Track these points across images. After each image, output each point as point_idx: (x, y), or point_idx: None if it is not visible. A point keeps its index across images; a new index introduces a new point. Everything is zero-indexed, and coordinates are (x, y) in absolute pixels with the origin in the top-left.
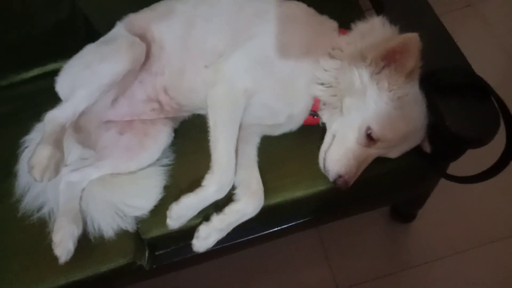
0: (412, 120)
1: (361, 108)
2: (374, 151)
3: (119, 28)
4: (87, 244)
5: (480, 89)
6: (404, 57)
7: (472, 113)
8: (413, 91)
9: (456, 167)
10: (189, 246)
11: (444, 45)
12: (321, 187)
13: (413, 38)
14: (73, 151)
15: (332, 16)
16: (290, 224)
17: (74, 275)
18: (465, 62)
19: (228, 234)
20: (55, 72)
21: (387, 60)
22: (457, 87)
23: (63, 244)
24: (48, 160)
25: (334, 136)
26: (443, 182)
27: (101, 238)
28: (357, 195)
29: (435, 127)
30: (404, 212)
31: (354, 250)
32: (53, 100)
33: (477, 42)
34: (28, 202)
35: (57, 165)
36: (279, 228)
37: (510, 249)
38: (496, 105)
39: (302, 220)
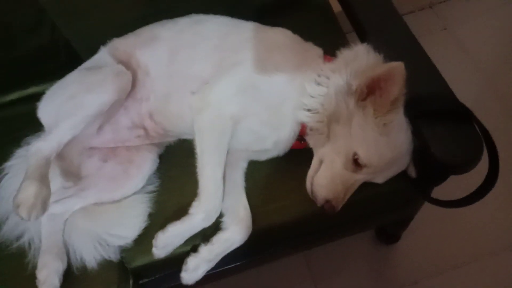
0: (397, 146)
1: (348, 134)
2: (361, 176)
3: (103, 54)
4: (69, 275)
5: (461, 115)
6: (389, 85)
7: (456, 140)
8: (398, 118)
9: (440, 190)
10: (173, 274)
11: (426, 71)
12: (308, 211)
13: (398, 67)
14: (54, 179)
15: (313, 38)
16: (277, 249)
17: None
18: (447, 89)
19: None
20: (36, 96)
21: (372, 88)
22: (440, 113)
23: (49, 281)
24: (35, 198)
25: (321, 161)
26: (427, 203)
27: (83, 269)
28: (344, 218)
29: (420, 153)
30: (389, 233)
31: (341, 272)
32: (33, 125)
33: (453, 65)
34: (7, 231)
35: (44, 202)
36: (266, 253)
37: (494, 266)
38: (478, 131)
39: (289, 246)
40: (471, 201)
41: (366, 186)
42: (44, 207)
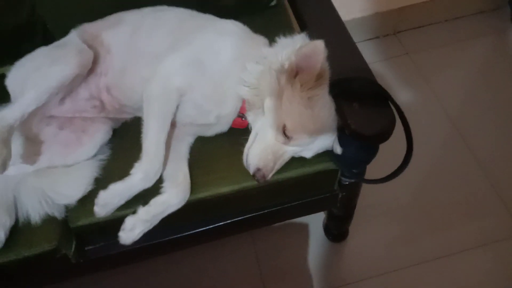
0: (320, 120)
1: (279, 108)
2: (290, 148)
3: (72, 35)
4: (13, 228)
5: (380, 96)
6: (313, 61)
7: (371, 114)
8: (322, 93)
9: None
10: (117, 243)
11: (352, 58)
12: (244, 183)
13: (319, 44)
14: (13, 145)
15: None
16: (218, 224)
17: None
18: (370, 73)
19: (157, 233)
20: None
21: (300, 66)
22: (360, 93)
23: None
24: None
25: (257, 134)
26: (375, 207)
27: (28, 224)
28: (281, 195)
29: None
30: (335, 230)
31: (290, 270)
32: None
33: (411, 88)
34: None
35: (4, 162)
36: (207, 227)
37: (434, 272)
38: (393, 108)
39: (230, 220)
40: (396, 174)
41: (297, 162)
42: (3, 166)
